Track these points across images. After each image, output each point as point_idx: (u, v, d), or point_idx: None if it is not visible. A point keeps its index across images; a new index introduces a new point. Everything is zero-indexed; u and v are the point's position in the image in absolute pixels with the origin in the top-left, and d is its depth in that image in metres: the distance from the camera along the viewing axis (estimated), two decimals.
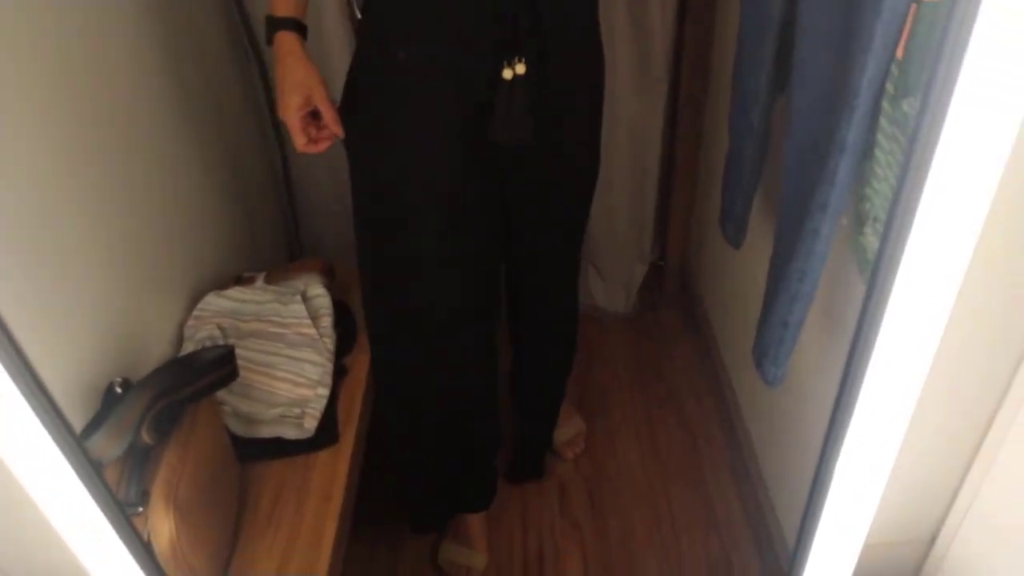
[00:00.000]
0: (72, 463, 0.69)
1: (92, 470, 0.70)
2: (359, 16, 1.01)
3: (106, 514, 0.73)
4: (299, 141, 1.05)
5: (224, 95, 1.61)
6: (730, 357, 1.82)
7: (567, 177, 1.23)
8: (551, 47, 1.01)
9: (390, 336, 1.23)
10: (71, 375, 0.99)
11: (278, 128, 1.78)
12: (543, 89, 1.01)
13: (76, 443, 0.69)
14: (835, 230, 0.95)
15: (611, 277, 2.11)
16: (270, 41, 1.03)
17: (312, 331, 1.28)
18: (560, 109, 1.09)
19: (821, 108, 0.95)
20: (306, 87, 1.02)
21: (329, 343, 1.29)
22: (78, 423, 0.97)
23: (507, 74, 0.98)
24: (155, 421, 0.92)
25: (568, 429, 1.74)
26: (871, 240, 0.94)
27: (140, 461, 0.93)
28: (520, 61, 0.97)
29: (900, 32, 0.81)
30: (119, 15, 1.19)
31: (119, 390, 0.97)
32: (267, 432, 1.17)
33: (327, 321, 1.31)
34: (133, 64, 1.22)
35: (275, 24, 1.02)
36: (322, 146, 1.07)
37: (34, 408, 0.65)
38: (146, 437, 0.91)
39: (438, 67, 1.00)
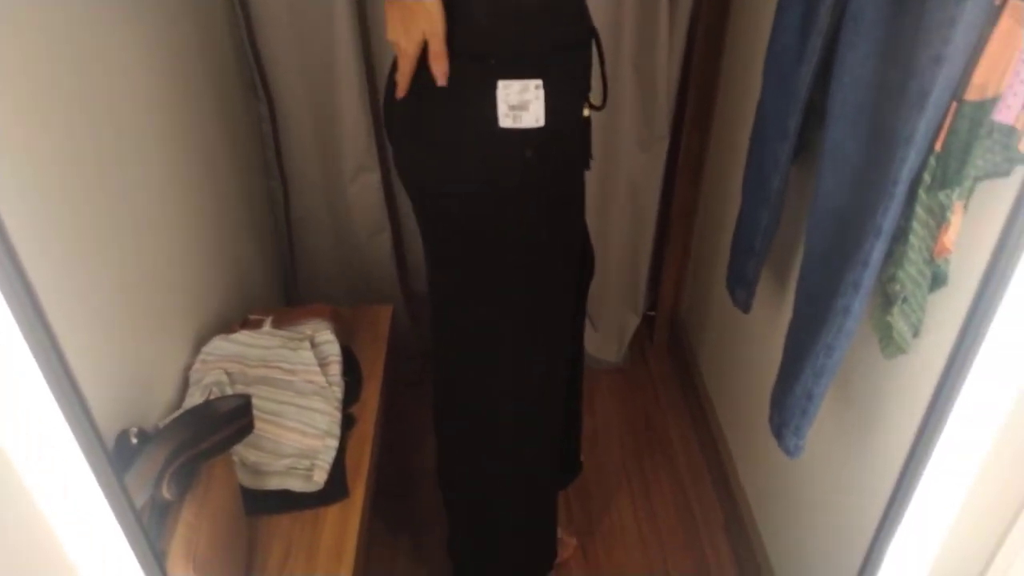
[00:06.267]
0: (115, 511, 0.66)
1: (135, 519, 0.67)
2: None
3: (143, 566, 0.70)
4: (407, 81, 0.98)
5: (231, 132, 1.59)
6: (723, 412, 1.84)
7: None
8: None
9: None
10: None
11: (282, 167, 1.76)
12: None
13: (122, 490, 0.66)
14: (864, 308, 0.97)
15: (604, 327, 2.12)
16: None
17: (321, 379, 1.26)
18: None
19: (852, 189, 0.97)
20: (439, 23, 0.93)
21: (338, 391, 1.27)
22: None
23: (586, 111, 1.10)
24: (175, 477, 0.89)
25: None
26: (898, 320, 0.96)
27: (158, 518, 0.90)
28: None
29: (940, 127, 0.84)
30: (125, 47, 1.16)
31: (134, 440, 0.94)
32: (275, 484, 1.13)
33: (336, 368, 1.29)
34: (137, 99, 1.19)
35: None
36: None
37: (85, 452, 0.63)
38: (166, 493, 0.88)
39: None
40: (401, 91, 0.99)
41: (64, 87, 0.97)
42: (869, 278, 0.94)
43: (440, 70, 0.94)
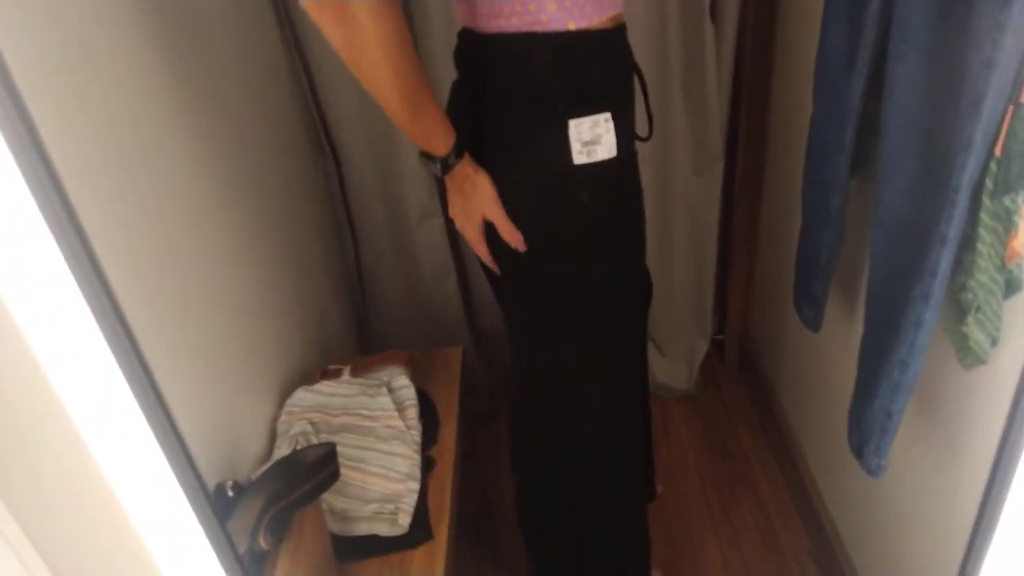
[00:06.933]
0: (223, 564, 0.70)
1: (241, 571, 0.71)
2: None
3: None
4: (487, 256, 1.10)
5: (307, 190, 1.67)
6: (803, 433, 1.80)
7: None
8: None
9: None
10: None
11: (351, 218, 1.84)
12: None
13: (229, 544, 0.70)
14: (936, 320, 0.95)
15: (672, 354, 2.11)
16: (446, 172, 1.01)
17: (400, 423, 1.30)
18: None
19: (913, 199, 0.97)
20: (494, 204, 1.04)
21: (416, 435, 1.30)
22: None
23: None
24: (270, 527, 0.94)
25: None
26: (974, 330, 0.95)
27: (256, 568, 0.94)
28: None
29: (999, 131, 0.84)
30: (194, 125, 1.24)
31: (231, 493, 0.99)
32: (363, 529, 1.17)
33: (413, 412, 1.33)
34: (216, 165, 1.27)
35: (455, 154, 1.00)
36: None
37: (194, 508, 0.68)
38: (263, 543, 0.93)
39: None
40: (495, 268, 1.10)
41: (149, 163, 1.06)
42: (939, 289, 0.93)
43: (516, 240, 1.02)
